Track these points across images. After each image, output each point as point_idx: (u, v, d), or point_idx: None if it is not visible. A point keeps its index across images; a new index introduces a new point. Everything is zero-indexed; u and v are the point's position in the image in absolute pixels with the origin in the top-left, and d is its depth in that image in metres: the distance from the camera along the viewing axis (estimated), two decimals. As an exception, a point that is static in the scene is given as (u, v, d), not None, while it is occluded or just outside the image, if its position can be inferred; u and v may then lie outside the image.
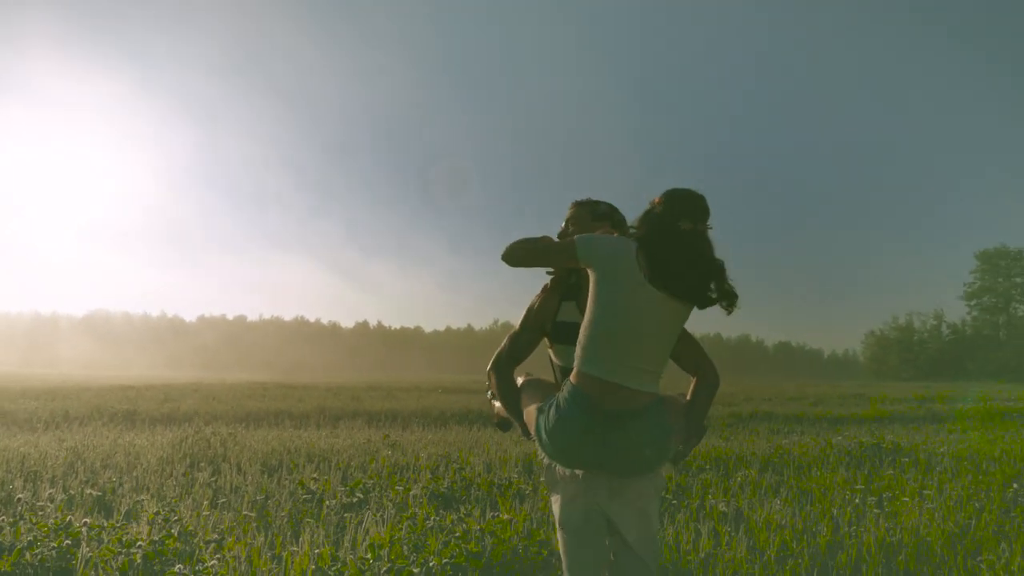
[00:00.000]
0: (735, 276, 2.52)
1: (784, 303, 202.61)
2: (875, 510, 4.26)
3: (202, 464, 6.39)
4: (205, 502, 4.82)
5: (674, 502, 4.71)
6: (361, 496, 4.74)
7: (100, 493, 4.98)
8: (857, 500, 4.60)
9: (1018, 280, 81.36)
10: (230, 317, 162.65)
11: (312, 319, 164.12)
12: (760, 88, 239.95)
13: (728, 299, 2.43)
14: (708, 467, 6.49)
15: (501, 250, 2.66)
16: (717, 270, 2.42)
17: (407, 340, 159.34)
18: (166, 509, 4.34)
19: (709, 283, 2.41)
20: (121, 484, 5.34)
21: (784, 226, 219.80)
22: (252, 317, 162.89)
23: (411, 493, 4.83)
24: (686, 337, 2.60)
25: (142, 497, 4.91)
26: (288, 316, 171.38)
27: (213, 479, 5.66)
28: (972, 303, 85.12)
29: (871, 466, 6.61)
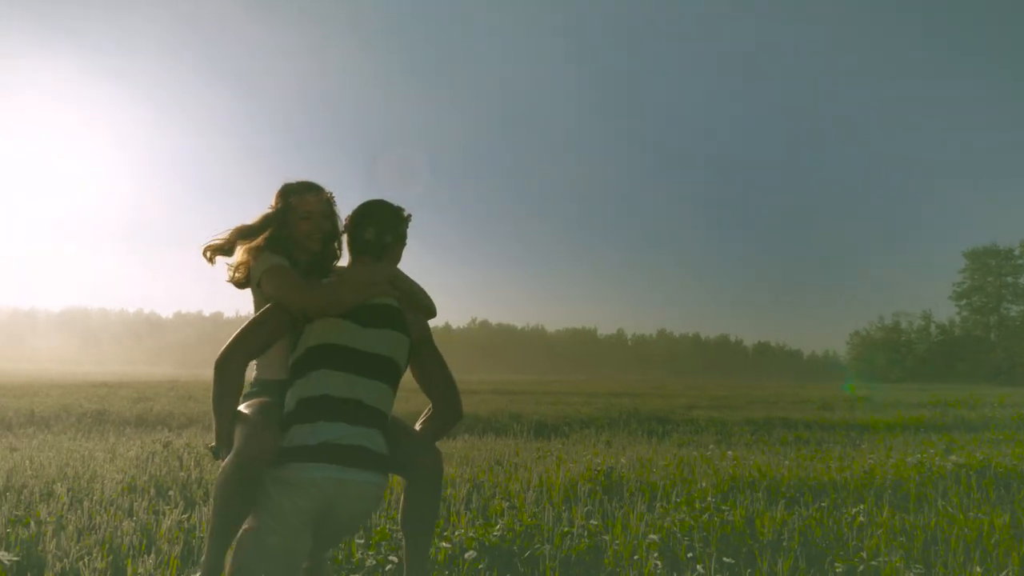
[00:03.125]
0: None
1: (763, 303, 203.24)
2: None
3: (171, 492, 5.04)
4: (173, 555, 3.52)
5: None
6: (396, 561, 3.39)
7: (29, 542, 3.62)
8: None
9: (1009, 280, 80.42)
10: (207, 313, 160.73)
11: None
12: (746, 88, 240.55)
13: None
14: (802, 498, 5.25)
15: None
16: None
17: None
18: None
19: None
20: (63, 527, 3.97)
21: (766, 226, 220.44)
22: (229, 314, 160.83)
23: (466, 555, 3.48)
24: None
25: (83, 548, 3.58)
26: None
27: (185, 516, 4.32)
28: (962, 303, 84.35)
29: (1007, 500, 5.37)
